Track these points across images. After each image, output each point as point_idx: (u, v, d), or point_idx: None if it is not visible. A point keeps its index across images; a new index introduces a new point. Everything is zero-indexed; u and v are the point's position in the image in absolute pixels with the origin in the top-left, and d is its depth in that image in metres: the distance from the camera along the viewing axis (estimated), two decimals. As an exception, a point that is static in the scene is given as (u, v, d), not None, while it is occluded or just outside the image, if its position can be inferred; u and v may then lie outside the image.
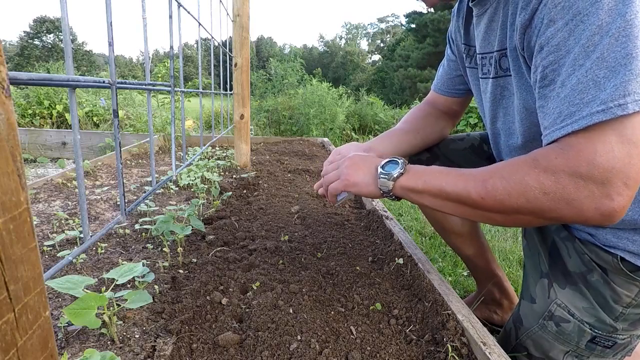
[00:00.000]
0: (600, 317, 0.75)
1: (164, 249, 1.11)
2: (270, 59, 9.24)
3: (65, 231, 1.18)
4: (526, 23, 0.64)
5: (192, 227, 1.13)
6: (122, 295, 0.76)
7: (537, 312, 0.82)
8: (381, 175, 0.75)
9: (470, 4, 0.85)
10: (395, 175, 0.73)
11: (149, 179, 2.04)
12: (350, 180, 0.79)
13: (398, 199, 0.79)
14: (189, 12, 1.10)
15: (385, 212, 1.49)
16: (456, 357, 0.74)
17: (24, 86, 4.48)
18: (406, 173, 0.74)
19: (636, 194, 0.67)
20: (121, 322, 0.80)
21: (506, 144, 0.86)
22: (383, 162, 0.77)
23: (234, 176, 2.08)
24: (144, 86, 0.82)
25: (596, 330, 0.75)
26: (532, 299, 0.84)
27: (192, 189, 1.85)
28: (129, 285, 0.93)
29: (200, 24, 1.28)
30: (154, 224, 1.19)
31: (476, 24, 0.85)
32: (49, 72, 5.72)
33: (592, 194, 0.54)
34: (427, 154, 1.13)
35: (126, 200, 1.50)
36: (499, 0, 0.74)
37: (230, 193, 1.72)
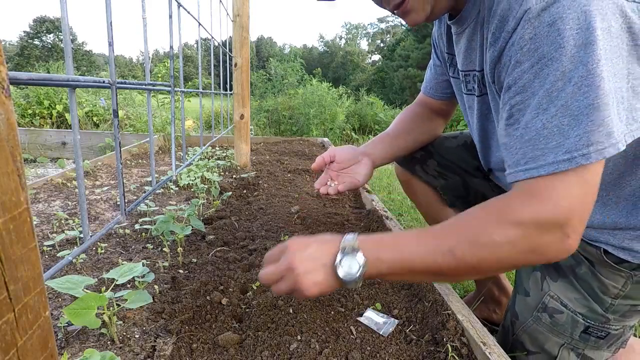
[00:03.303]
0: (592, 307, 0.76)
1: (164, 249, 1.11)
2: (270, 59, 9.24)
3: (65, 231, 1.18)
4: (495, 59, 0.65)
5: (192, 227, 1.13)
6: (122, 295, 0.76)
7: (531, 304, 0.84)
8: (346, 280, 0.61)
9: (448, 22, 0.84)
10: (358, 275, 0.61)
11: (149, 179, 2.04)
12: (313, 292, 0.62)
13: None
14: (189, 12, 1.10)
15: (385, 212, 1.49)
16: (456, 357, 0.74)
17: (24, 86, 4.48)
18: (368, 264, 0.61)
19: (615, 198, 0.72)
20: (121, 322, 0.80)
21: (499, 157, 0.87)
22: (337, 260, 0.62)
23: (234, 176, 2.08)
24: (144, 86, 0.82)
25: (589, 321, 0.77)
26: (526, 292, 0.86)
27: (192, 189, 1.85)
28: (129, 285, 0.93)
29: (200, 24, 1.28)
30: (154, 224, 1.19)
31: (456, 42, 0.84)
32: (49, 72, 5.72)
33: (554, 237, 0.57)
34: (421, 151, 1.16)
35: (126, 200, 1.50)
36: (476, 21, 0.74)
37: (230, 193, 1.72)
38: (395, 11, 0.76)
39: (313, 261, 0.63)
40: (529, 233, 0.57)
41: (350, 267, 0.61)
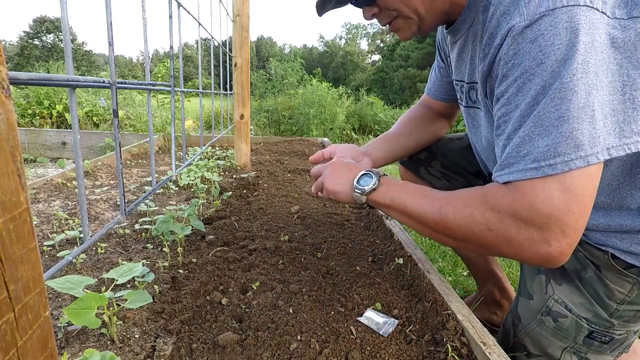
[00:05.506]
0: (597, 312, 0.76)
1: (164, 249, 1.11)
2: (270, 59, 9.24)
3: (65, 231, 1.18)
4: (486, 73, 0.69)
5: (192, 227, 1.13)
6: (122, 295, 0.76)
7: (535, 308, 0.83)
8: (355, 190, 0.81)
9: (445, 31, 0.88)
10: (367, 191, 0.79)
11: (149, 179, 2.04)
12: (330, 188, 0.86)
13: (373, 207, 0.85)
14: (189, 12, 1.10)
15: (385, 212, 1.49)
16: (456, 357, 0.74)
17: (23, 86, 4.48)
18: (378, 188, 0.79)
19: (617, 205, 0.72)
20: (121, 322, 0.80)
21: (484, 162, 0.89)
22: (359, 175, 0.82)
23: (234, 176, 2.08)
24: (144, 86, 0.82)
25: (593, 325, 0.76)
26: (529, 295, 0.85)
27: (192, 189, 1.85)
28: (128, 285, 0.93)
29: (200, 24, 1.28)
30: (154, 224, 1.19)
31: (450, 50, 0.87)
32: (49, 72, 5.72)
33: (532, 237, 0.58)
34: (425, 153, 1.16)
35: (126, 200, 1.50)
36: (467, 34, 0.77)
37: (230, 193, 1.72)
38: (387, 27, 0.83)
39: (342, 170, 0.86)
40: (505, 222, 0.60)
41: (365, 183, 0.80)
